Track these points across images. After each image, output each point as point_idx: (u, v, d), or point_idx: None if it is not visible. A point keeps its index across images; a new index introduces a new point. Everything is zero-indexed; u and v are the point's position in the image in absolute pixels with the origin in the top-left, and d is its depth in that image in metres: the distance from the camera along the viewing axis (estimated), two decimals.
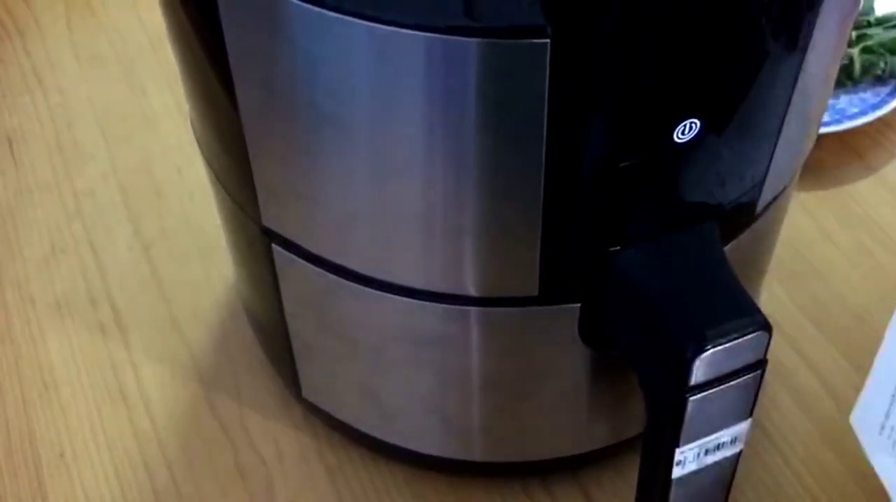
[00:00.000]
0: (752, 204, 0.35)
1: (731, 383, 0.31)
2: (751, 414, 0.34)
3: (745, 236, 0.36)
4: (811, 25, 0.29)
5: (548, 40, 0.24)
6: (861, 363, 0.50)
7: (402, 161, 0.30)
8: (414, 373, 0.39)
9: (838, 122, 0.58)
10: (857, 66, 0.60)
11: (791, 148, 0.34)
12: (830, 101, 0.60)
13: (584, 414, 0.41)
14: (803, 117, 0.33)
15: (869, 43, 0.60)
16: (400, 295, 0.34)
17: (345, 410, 0.45)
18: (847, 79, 0.60)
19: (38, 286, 0.55)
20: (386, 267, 0.34)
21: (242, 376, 0.50)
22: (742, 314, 0.31)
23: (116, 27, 0.70)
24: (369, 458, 0.47)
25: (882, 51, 0.60)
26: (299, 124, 0.30)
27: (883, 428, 0.39)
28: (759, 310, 0.31)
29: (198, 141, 0.40)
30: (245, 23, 0.29)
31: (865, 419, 0.40)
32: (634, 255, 0.32)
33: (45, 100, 0.64)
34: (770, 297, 0.53)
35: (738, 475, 0.46)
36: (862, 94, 0.60)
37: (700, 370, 0.30)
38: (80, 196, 0.59)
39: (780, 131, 0.32)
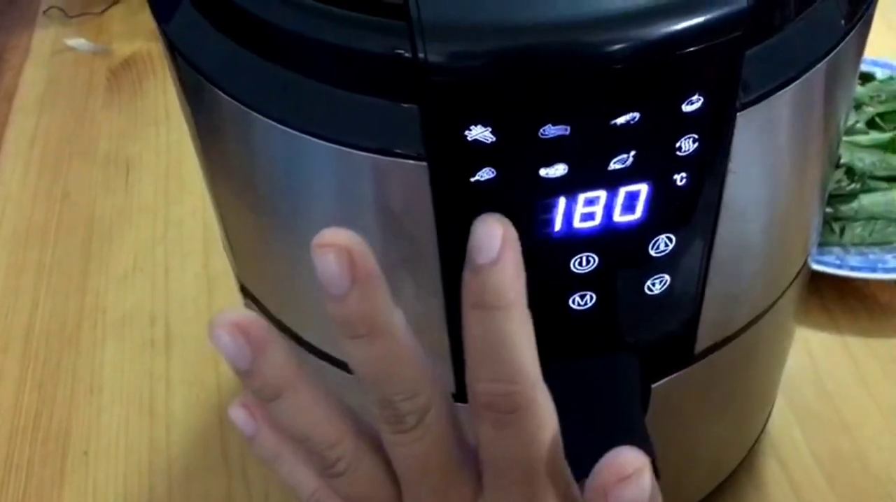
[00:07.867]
0: (686, 346, 0.34)
1: None
2: None
3: (682, 376, 0.35)
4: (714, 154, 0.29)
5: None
6: None
7: None
8: None
9: None
10: None
11: (727, 297, 0.34)
12: None
13: None
14: (737, 265, 0.33)
15: None
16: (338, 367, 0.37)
17: None
18: None
19: (113, 298, 0.61)
20: (322, 336, 0.36)
21: None
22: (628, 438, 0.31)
23: None
24: None
25: None
26: (239, 203, 0.34)
27: None
28: (648, 441, 0.31)
29: None
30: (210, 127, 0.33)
31: None
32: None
33: (166, 134, 0.72)
34: (786, 440, 0.51)
35: None
36: None
37: None
38: (169, 225, 0.65)
39: (701, 278, 0.32)
